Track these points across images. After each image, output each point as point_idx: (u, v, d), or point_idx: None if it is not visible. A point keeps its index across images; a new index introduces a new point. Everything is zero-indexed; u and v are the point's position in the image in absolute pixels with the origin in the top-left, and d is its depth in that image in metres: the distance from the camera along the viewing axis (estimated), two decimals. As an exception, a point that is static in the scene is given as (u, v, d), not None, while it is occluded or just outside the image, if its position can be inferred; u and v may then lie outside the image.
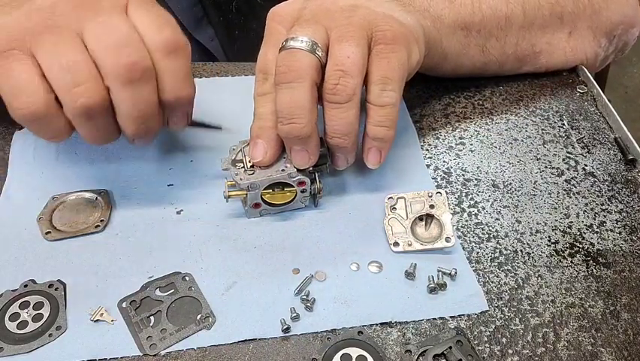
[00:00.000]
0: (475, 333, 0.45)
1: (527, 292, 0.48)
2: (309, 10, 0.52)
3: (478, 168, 0.59)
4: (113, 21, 0.43)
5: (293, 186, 0.51)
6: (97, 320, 0.44)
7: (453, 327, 0.45)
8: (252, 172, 0.50)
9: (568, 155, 0.60)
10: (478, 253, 0.51)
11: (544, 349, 0.44)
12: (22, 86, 0.42)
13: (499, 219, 0.54)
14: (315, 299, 0.46)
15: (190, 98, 0.47)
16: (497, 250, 0.51)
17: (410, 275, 0.48)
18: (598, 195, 0.56)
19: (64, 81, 0.42)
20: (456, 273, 0.48)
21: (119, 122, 0.46)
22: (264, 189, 0.50)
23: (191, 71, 0.47)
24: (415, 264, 0.48)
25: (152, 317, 0.45)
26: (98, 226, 0.50)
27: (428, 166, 0.58)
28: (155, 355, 0.43)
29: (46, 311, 0.45)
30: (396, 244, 0.50)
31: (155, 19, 0.45)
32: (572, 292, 0.48)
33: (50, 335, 0.43)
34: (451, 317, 0.46)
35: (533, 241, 0.52)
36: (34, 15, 0.44)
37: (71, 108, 0.43)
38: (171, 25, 0.46)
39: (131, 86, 0.43)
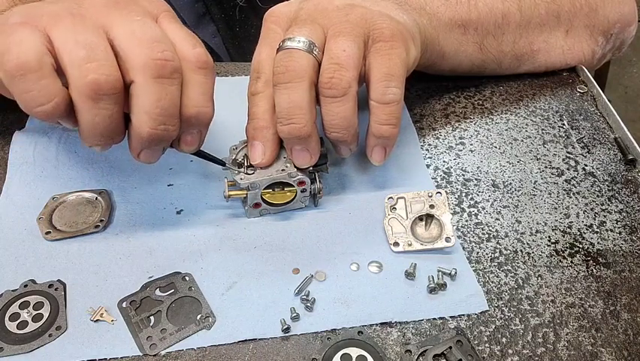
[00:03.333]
0: (475, 333, 0.45)
1: (527, 292, 0.48)
2: (306, 11, 0.52)
3: (478, 168, 0.59)
4: (147, 22, 0.42)
5: (293, 186, 0.51)
6: (97, 320, 0.44)
7: (453, 327, 0.45)
8: (252, 172, 0.50)
9: (568, 155, 0.60)
10: (478, 253, 0.51)
11: (544, 349, 0.44)
12: (18, 40, 0.39)
13: (499, 219, 0.54)
14: (315, 299, 0.46)
15: (209, 117, 0.46)
16: (497, 250, 0.51)
17: (410, 275, 0.48)
18: (598, 195, 0.56)
19: (77, 56, 0.39)
20: (456, 273, 0.48)
21: (134, 121, 0.42)
22: (264, 189, 0.50)
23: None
24: (415, 264, 0.48)
25: (152, 317, 0.45)
26: (98, 225, 0.50)
27: (428, 166, 0.58)
28: (155, 355, 0.43)
29: (46, 311, 0.45)
30: (396, 244, 0.50)
31: (188, 35, 0.45)
32: (572, 292, 0.48)
33: (50, 335, 0.43)
34: (451, 316, 0.46)
35: (533, 241, 0.52)
36: (58, 3, 0.43)
37: (80, 85, 0.40)
38: (202, 45, 0.45)
39: (159, 81, 0.41)
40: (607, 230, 0.53)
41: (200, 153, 0.49)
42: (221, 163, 0.51)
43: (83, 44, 0.40)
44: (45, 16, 0.41)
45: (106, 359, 0.42)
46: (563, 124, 0.64)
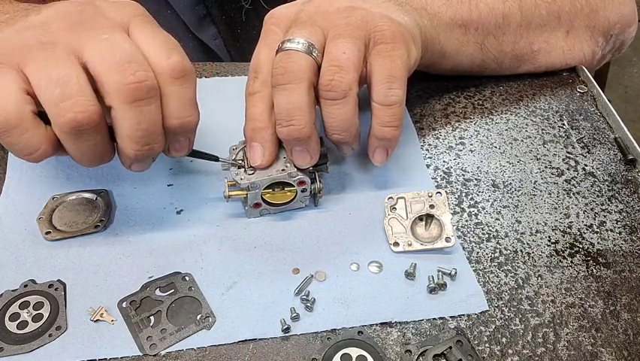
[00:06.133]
0: (475, 333, 0.45)
1: (527, 292, 0.48)
2: (306, 13, 0.52)
3: (478, 168, 0.59)
4: (116, 39, 0.41)
5: (293, 186, 0.51)
6: (97, 320, 0.44)
7: (453, 327, 0.45)
8: (252, 172, 0.50)
9: (568, 155, 0.60)
10: (478, 253, 0.51)
11: (544, 349, 0.44)
12: None
13: (499, 219, 0.54)
14: (315, 299, 0.46)
15: (194, 124, 0.46)
16: (497, 250, 0.51)
17: (410, 275, 0.48)
18: (598, 195, 0.56)
19: (53, 94, 0.39)
20: (456, 273, 0.48)
21: (119, 143, 0.43)
22: (264, 189, 0.50)
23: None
24: (415, 264, 0.48)
25: (152, 317, 0.45)
26: (98, 225, 0.50)
27: (428, 166, 0.58)
28: (155, 355, 0.43)
29: (46, 311, 0.45)
30: (396, 244, 0.50)
31: (162, 42, 0.43)
32: (572, 292, 0.48)
33: (50, 335, 0.43)
34: (451, 316, 0.46)
35: (533, 241, 0.52)
36: (26, 32, 0.42)
37: (59, 123, 0.40)
38: (179, 50, 0.44)
39: (135, 105, 0.41)
40: (607, 230, 0.53)
41: (191, 154, 0.49)
42: (215, 159, 0.51)
43: (56, 81, 0.39)
44: (16, 51, 0.41)
45: (106, 359, 0.42)
46: (563, 124, 0.64)
